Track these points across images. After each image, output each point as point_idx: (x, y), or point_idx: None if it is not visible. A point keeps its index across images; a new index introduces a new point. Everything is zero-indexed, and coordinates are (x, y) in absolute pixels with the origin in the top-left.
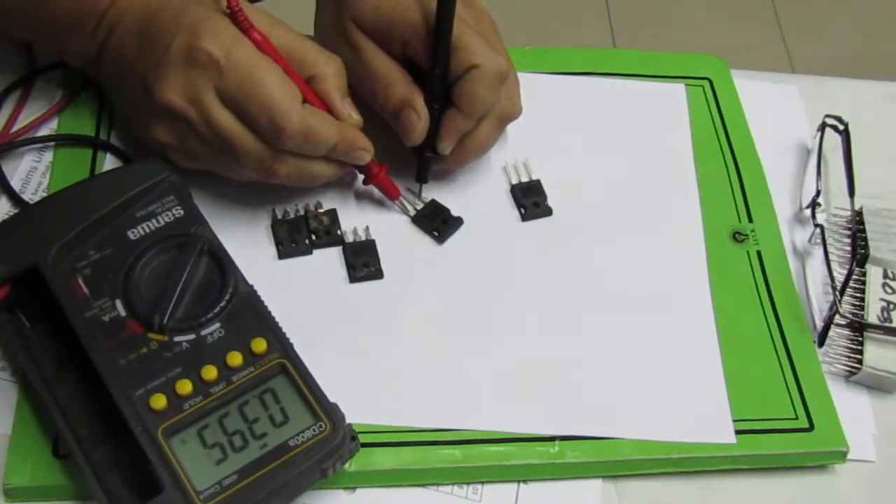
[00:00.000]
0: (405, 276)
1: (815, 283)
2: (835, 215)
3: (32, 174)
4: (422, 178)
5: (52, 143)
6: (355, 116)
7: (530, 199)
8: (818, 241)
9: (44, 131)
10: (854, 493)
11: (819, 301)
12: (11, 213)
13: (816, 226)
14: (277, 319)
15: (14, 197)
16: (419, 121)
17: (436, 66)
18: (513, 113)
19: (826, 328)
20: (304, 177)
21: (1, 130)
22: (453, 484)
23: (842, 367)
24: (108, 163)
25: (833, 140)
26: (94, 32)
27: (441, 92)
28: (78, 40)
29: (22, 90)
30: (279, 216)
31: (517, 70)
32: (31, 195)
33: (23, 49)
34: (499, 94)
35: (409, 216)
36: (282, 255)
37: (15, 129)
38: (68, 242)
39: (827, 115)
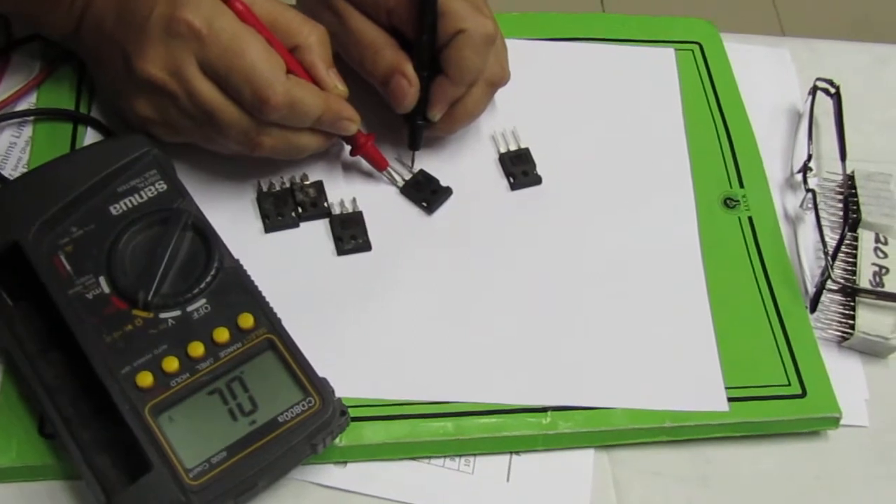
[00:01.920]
0: (394, 247)
1: (806, 248)
2: (826, 180)
3: (12, 150)
4: (414, 146)
5: (32, 118)
6: (340, 87)
7: (519, 168)
8: (810, 205)
9: (23, 105)
10: (847, 459)
11: (811, 266)
12: None
13: (808, 190)
14: (265, 294)
15: None
16: (410, 88)
17: (422, 32)
18: (502, 78)
19: (818, 293)
20: (290, 149)
21: None
22: (445, 457)
23: (834, 332)
24: (89, 137)
25: (824, 104)
26: (71, 5)
27: (429, 58)
28: (56, 13)
29: None
30: (264, 189)
31: (505, 37)
32: (11, 171)
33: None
34: (487, 58)
35: (398, 187)
36: (268, 228)
37: None
38: (49, 219)
39: (818, 79)
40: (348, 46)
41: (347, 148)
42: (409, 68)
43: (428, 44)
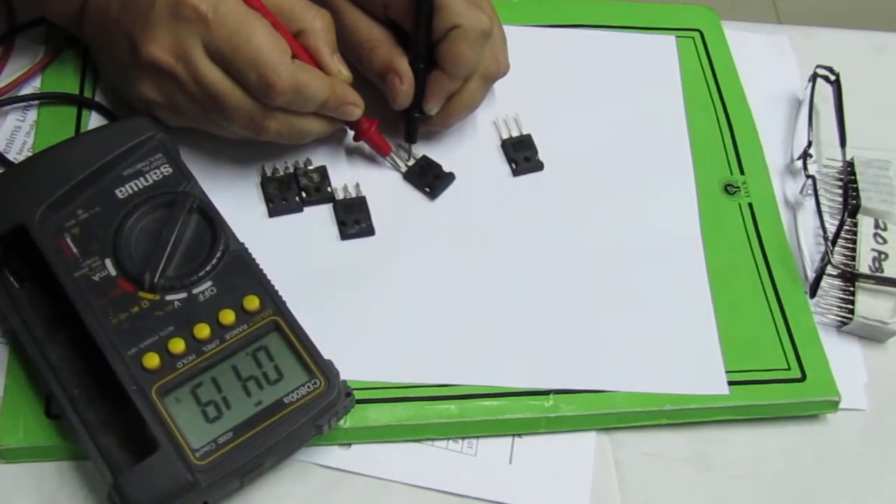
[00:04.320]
0: (397, 232)
1: (806, 234)
2: (826, 166)
3: (17, 133)
4: (410, 139)
5: (36, 102)
6: (345, 72)
7: (521, 154)
8: (810, 192)
9: (27, 89)
10: (846, 442)
11: (811, 252)
12: None
13: (808, 177)
14: (269, 277)
15: None
16: (402, 85)
17: (418, 26)
18: (498, 71)
19: (818, 279)
20: (295, 133)
21: None
22: (448, 439)
23: (833, 317)
24: (94, 121)
25: (824, 91)
26: None
27: (425, 52)
28: None
29: (3, 48)
30: (269, 173)
31: (506, 23)
32: (16, 155)
33: (2, 6)
34: (482, 52)
35: (401, 172)
36: (272, 212)
37: None
38: (55, 202)
39: (818, 66)
40: (345, 43)
41: (351, 133)
42: (403, 65)
43: (423, 37)
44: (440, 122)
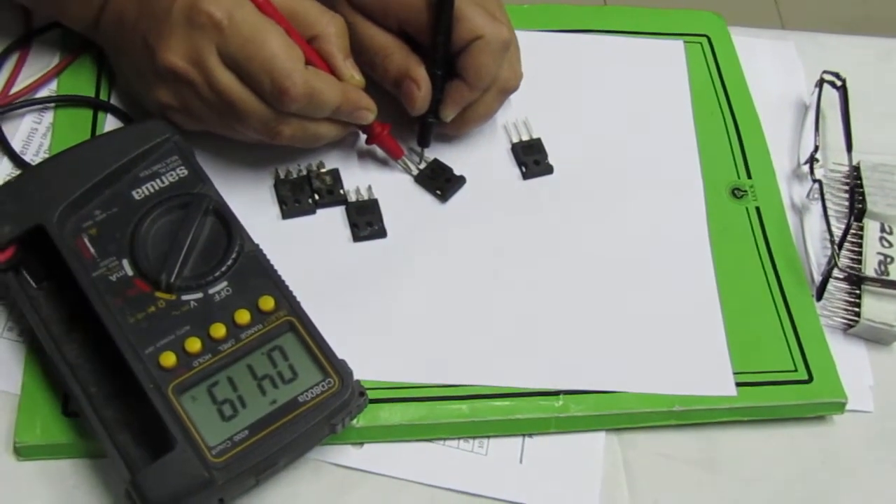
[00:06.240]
0: (409, 234)
1: (813, 237)
2: (832, 171)
3: (33, 135)
4: (423, 143)
5: (53, 105)
6: (357, 77)
7: (531, 158)
8: (816, 196)
9: (44, 92)
10: (852, 443)
11: (817, 255)
12: (13, 175)
13: (815, 181)
14: (283, 278)
15: (16, 158)
16: (419, 91)
17: (438, 34)
18: (515, 84)
19: (824, 282)
20: (308, 137)
21: (0, 91)
22: (459, 438)
23: (840, 319)
24: (109, 123)
25: (830, 96)
26: None
27: (444, 58)
28: (77, 5)
29: (20, 52)
30: (282, 176)
31: (515, 28)
32: (33, 156)
33: (18, 10)
34: (502, 63)
35: (412, 175)
36: (285, 214)
37: (15, 90)
38: (73, 203)
39: (825, 72)
40: (359, 52)
41: (363, 136)
42: (420, 71)
43: (443, 44)
44: (454, 129)
